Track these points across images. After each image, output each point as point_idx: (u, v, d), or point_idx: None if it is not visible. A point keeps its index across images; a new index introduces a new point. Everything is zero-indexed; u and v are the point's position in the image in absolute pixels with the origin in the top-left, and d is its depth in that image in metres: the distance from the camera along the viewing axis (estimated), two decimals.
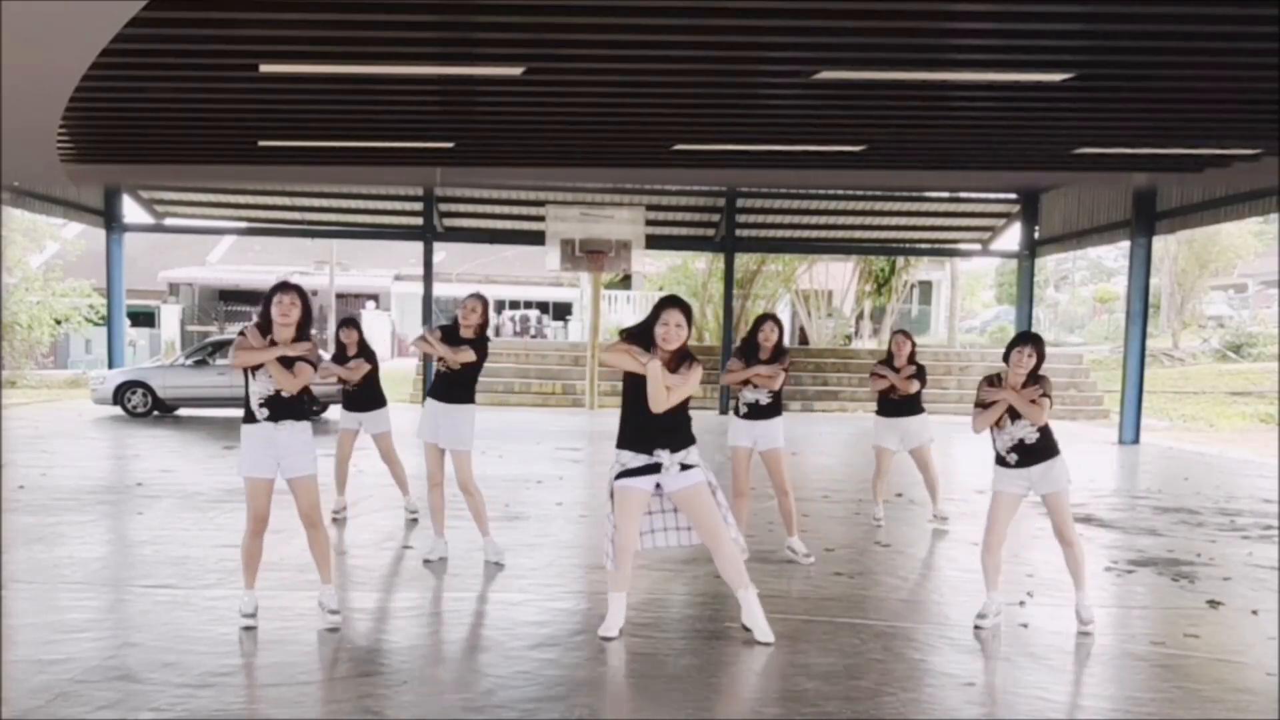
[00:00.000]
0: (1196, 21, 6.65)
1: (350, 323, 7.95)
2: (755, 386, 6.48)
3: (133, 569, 6.26)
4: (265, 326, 4.83)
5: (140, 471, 10.04)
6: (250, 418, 4.85)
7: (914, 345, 7.96)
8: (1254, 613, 5.72)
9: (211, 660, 4.47)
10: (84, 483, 9.23)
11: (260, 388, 4.81)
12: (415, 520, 7.63)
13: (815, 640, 4.97)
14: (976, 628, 5.21)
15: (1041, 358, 5.13)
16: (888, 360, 7.93)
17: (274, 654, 4.64)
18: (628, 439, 4.79)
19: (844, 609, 5.56)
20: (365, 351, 7.82)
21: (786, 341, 6.81)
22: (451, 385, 6.28)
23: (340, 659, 4.64)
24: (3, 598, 5.33)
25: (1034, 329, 20.23)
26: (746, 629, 4.89)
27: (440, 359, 6.27)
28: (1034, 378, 5.15)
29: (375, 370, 7.83)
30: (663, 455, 4.72)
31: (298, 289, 4.90)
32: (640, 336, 4.78)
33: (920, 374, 7.87)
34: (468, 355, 6.21)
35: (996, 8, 6.51)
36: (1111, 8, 6.52)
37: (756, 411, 6.50)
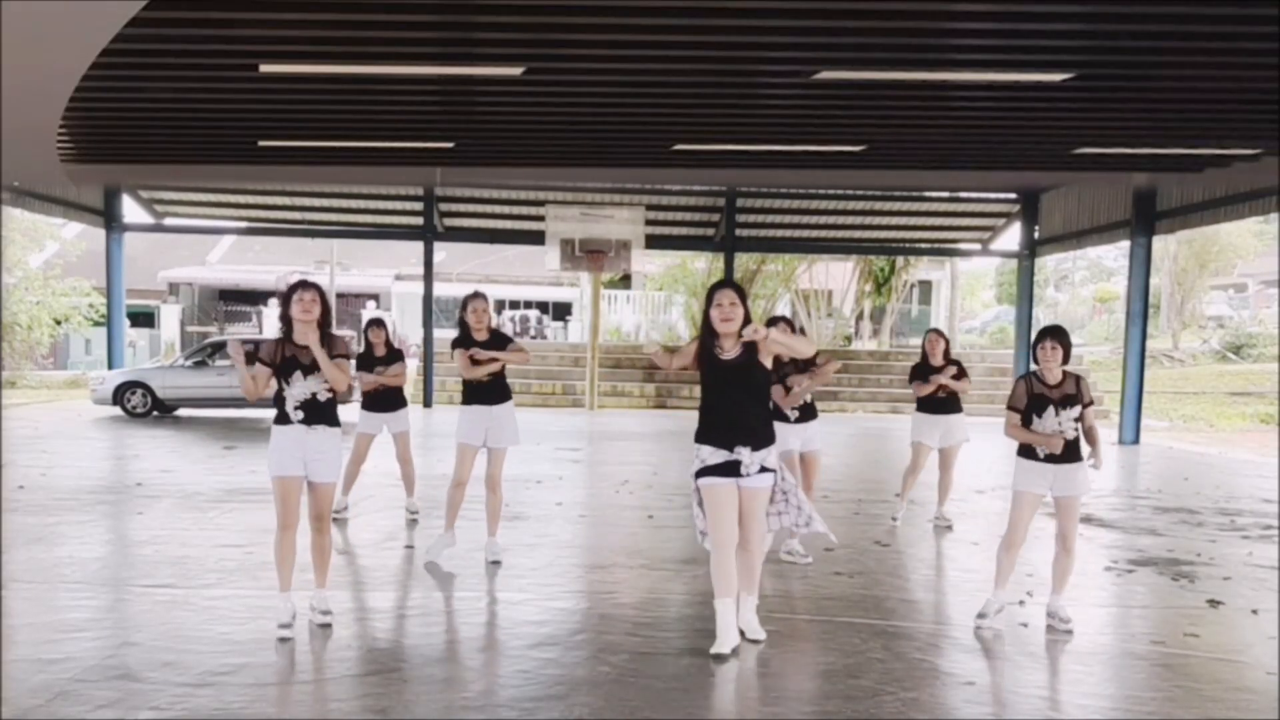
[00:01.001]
0: (1196, 21, 6.66)
1: (378, 323, 7.94)
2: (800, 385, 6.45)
3: (132, 569, 6.26)
4: (287, 325, 4.87)
5: (140, 472, 10.04)
6: (284, 419, 4.88)
7: (947, 343, 7.86)
8: (1254, 612, 5.71)
9: (211, 659, 4.46)
10: (84, 483, 9.23)
11: (297, 392, 4.84)
12: (415, 520, 7.64)
13: (815, 639, 4.98)
14: (977, 627, 5.21)
15: (1067, 349, 5.10)
16: (923, 361, 7.83)
17: (274, 653, 4.64)
18: (707, 434, 4.61)
19: (844, 608, 5.56)
20: (394, 351, 7.84)
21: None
22: (493, 389, 6.25)
23: (340, 658, 4.63)
24: (3, 597, 5.33)
25: (1034, 329, 20.26)
26: (740, 631, 4.81)
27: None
28: (1075, 381, 5.10)
29: (401, 366, 7.85)
30: (743, 453, 4.53)
31: (317, 286, 4.95)
32: (706, 333, 4.66)
33: (961, 370, 7.81)
34: (525, 354, 6.32)
35: (996, 8, 6.52)
36: (1111, 8, 6.53)
37: (804, 414, 6.51)
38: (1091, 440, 5.16)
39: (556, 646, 4.79)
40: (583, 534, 7.67)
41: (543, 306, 34.56)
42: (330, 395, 4.90)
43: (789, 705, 4.13)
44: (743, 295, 4.66)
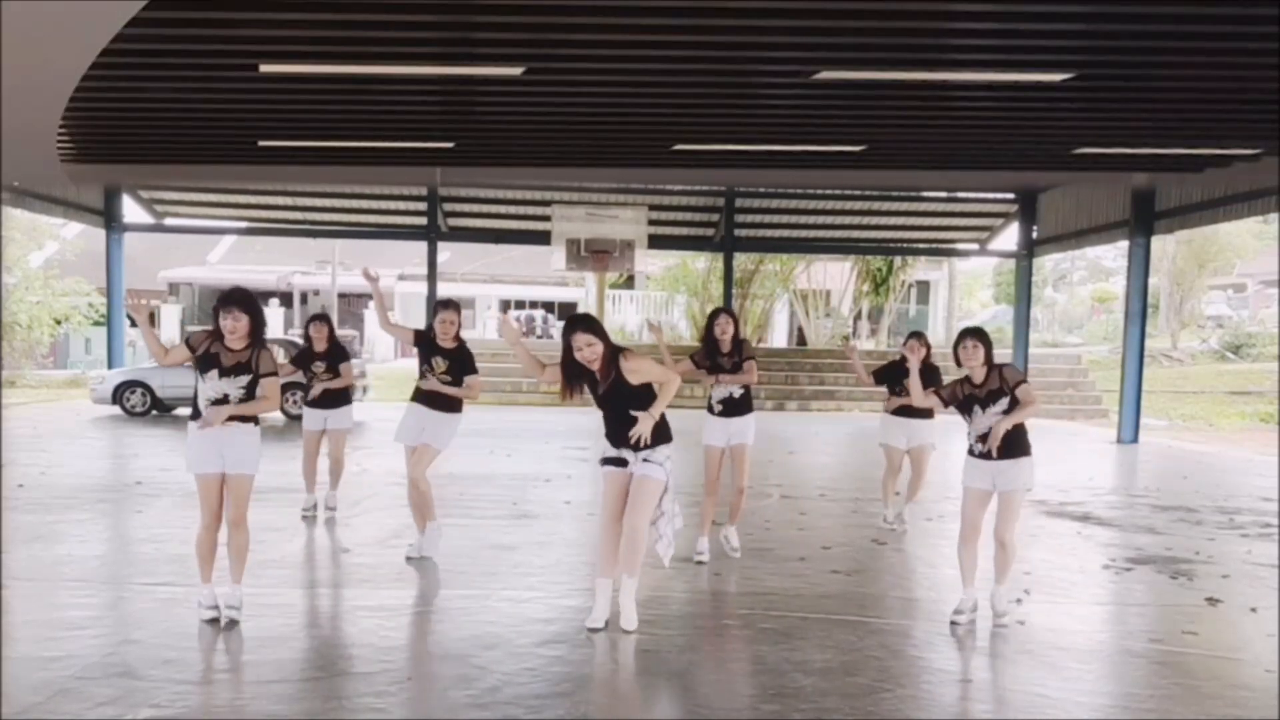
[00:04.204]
0: (1196, 21, 6.67)
1: (321, 319, 7.71)
2: (726, 381, 6.51)
3: (132, 566, 6.27)
4: (221, 336, 4.83)
5: (139, 470, 10.04)
6: (196, 415, 4.87)
7: (929, 350, 7.65)
8: (1253, 610, 5.72)
9: (212, 657, 4.47)
10: (83, 481, 9.24)
11: (210, 389, 4.83)
12: (332, 516, 7.51)
13: (812, 637, 4.98)
14: (952, 623, 5.22)
15: (989, 347, 5.24)
16: (900, 361, 7.73)
17: (276, 651, 4.64)
18: (604, 435, 5.13)
19: (841, 606, 5.57)
20: (336, 348, 7.63)
21: (746, 335, 6.81)
22: (442, 395, 6.25)
23: (343, 656, 4.65)
24: (3, 595, 5.33)
25: (1032, 329, 20.24)
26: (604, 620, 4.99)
27: (430, 370, 6.21)
28: (998, 374, 5.18)
29: (347, 367, 7.66)
30: (626, 453, 5.01)
31: (239, 303, 4.82)
32: (567, 365, 5.03)
33: (934, 375, 7.70)
34: (475, 392, 6.32)
35: (996, 8, 6.52)
36: (1111, 8, 6.54)
37: (731, 408, 6.49)
38: (1015, 411, 5.08)
39: (564, 644, 4.79)
40: (590, 532, 7.65)
41: (548, 306, 34.57)
42: (244, 397, 4.84)
43: (787, 703, 4.14)
44: (596, 330, 4.99)
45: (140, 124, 10.51)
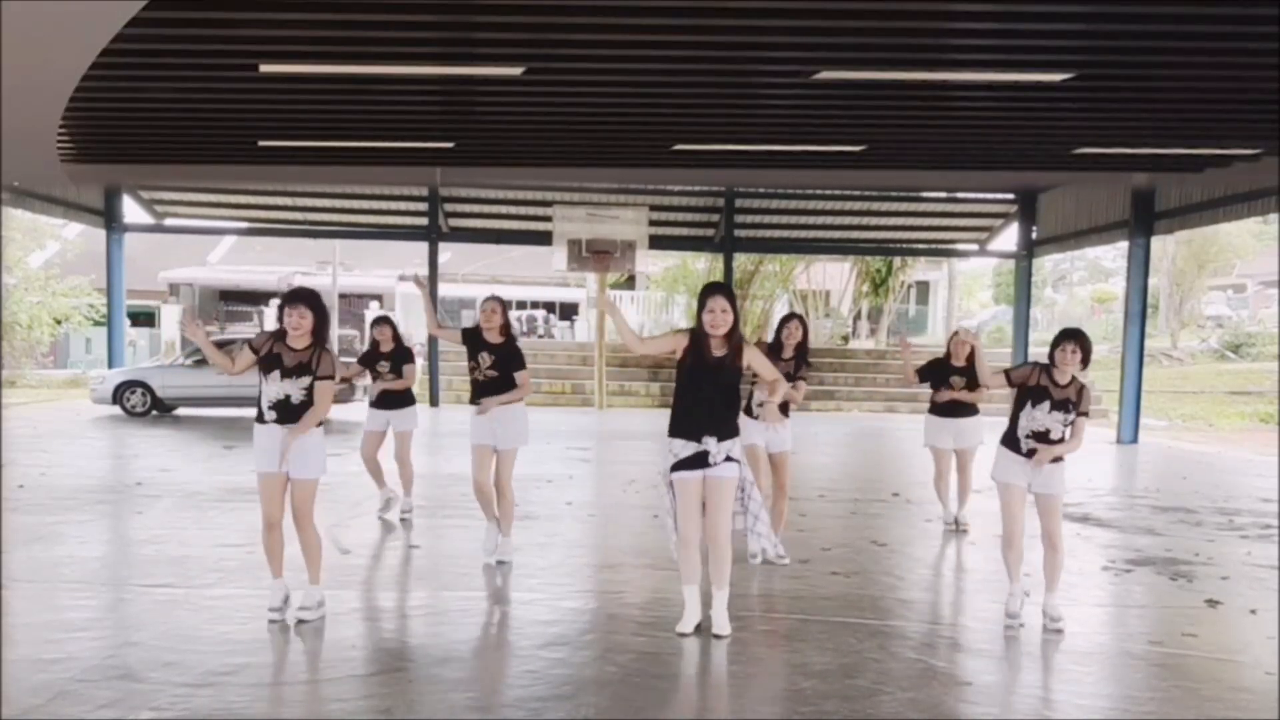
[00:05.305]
0: (1196, 21, 6.67)
1: (385, 321, 7.88)
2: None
3: (132, 568, 6.27)
4: (282, 336, 4.87)
5: (140, 471, 10.04)
6: (260, 417, 4.92)
7: (974, 346, 7.68)
8: (1252, 612, 5.72)
9: (212, 659, 4.47)
10: (83, 482, 9.23)
11: (273, 390, 4.86)
12: (408, 520, 7.63)
13: (812, 640, 4.98)
14: (1007, 627, 5.16)
15: (1087, 353, 5.09)
16: (944, 359, 7.62)
17: (277, 653, 4.64)
18: (678, 426, 4.90)
19: (841, 608, 5.57)
20: (401, 349, 7.80)
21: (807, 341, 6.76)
22: (499, 389, 6.26)
23: (344, 658, 4.63)
24: (3, 597, 5.33)
25: (1031, 329, 20.18)
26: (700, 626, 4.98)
27: (476, 367, 6.26)
28: (1079, 390, 5.11)
29: (410, 369, 7.82)
30: (710, 443, 4.81)
31: (305, 299, 4.89)
32: (695, 333, 4.90)
33: (973, 379, 7.63)
34: (526, 390, 6.31)
35: (996, 8, 6.53)
36: (1111, 8, 6.54)
37: None
38: (1067, 440, 5.08)
39: (566, 646, 4.79)
40: (591, 533, 7.68)
41: (549, 306, 34.53)
42: (305, 398, 4.87)
43: (787, 705, 4.14)
44: (733, 300, 4.92)
45: (140, 124, 10.52)
